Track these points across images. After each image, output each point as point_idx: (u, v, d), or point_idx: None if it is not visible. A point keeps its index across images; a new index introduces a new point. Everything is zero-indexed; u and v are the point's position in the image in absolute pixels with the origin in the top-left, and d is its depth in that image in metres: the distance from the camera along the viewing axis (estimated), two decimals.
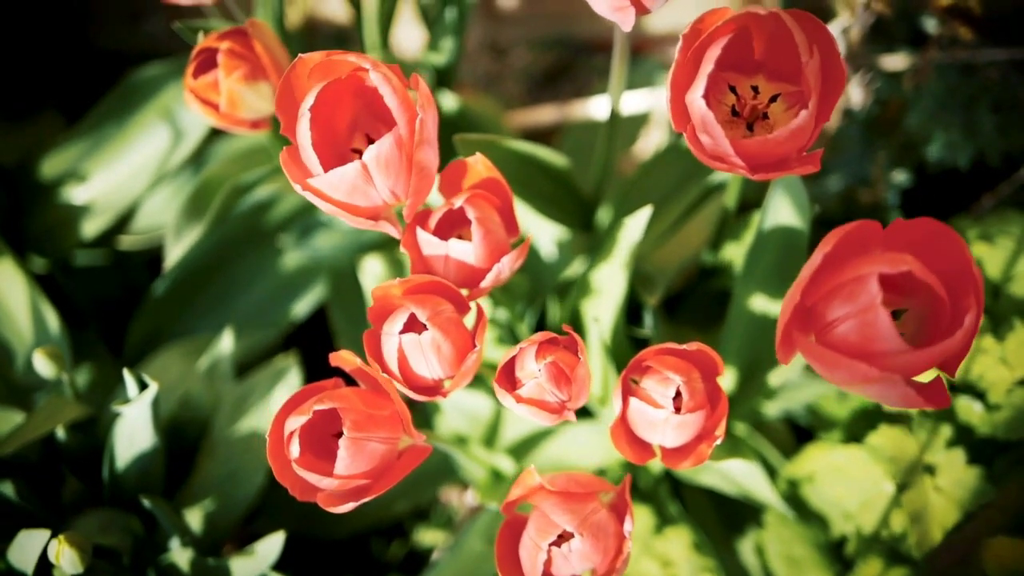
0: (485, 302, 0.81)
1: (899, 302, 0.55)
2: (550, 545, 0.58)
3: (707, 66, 0.54)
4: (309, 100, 0.55)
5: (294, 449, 0.56)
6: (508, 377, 0.59)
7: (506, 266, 0.60)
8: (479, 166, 0.62)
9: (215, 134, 1.00)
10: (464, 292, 0.61)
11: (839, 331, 0.50)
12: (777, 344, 0.53)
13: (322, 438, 0.57)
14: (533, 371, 0.58)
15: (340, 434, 0.56)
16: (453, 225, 0.62)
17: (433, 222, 0.61)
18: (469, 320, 0.61)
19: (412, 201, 0.57)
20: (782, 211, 0.69)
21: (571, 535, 0.58)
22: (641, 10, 0.57)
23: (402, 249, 0.60)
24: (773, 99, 0.59)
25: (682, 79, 0.55)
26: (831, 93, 0.54)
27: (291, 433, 0.56)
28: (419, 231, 0.60)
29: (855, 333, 0.50)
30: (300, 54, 0.56)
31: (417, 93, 0.56)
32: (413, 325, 0.58)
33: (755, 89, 0.59)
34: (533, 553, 0.58)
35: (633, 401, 0.58)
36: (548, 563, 0.58)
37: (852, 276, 0.50)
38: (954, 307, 0.51)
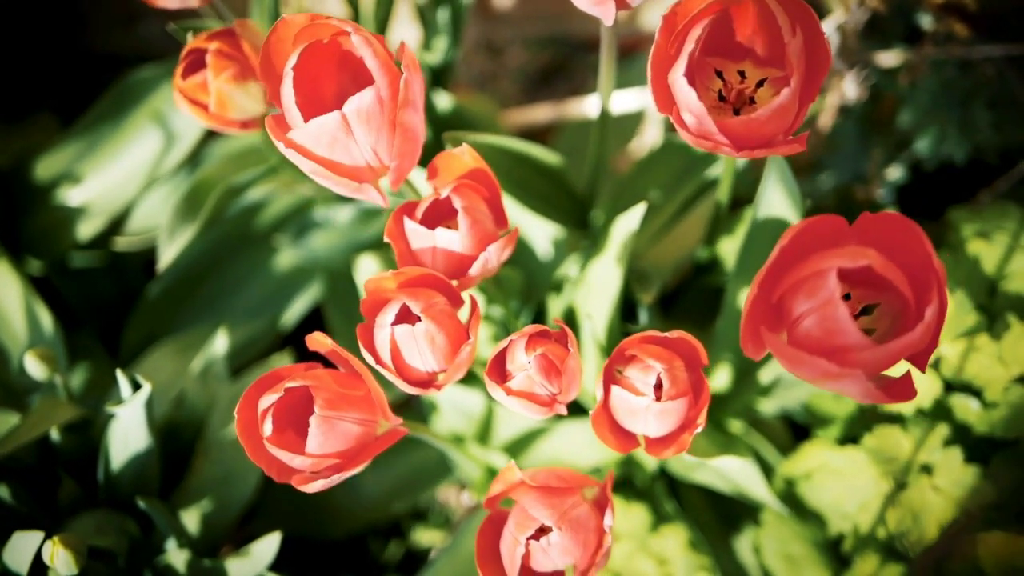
0: (480, 299, 0.81)
1: (870, 297, 0.55)
2: (528, 539, 0.58)
3: (689, 45, 0.54)
4: (293, 59, 0.55)
5: (267, 427, 0.56)
6: (499, 370, 0.59)
7: (493, 255, 0.60)
8: (466, 157, 0.62)
9: (210, 135, 1.00)
10: (453, 283, 0.61)
11: (803, 326, 0.51)
12: (742, 340, 0.53)
13: (300, 421, 0.57)
14: (523, 363, 0.57)
15: None
16: (441, 216, 0.62)
17: (420, 212, 0.61)
18: (463, 314, 0.61)
19: (398, 165, 0.57)
20: (775, 206, 0.69)
21: (550, 529, 0.58)
22: (621, 5, 0.57)
23: (386, 238, 0.60)
24: (760, 84, 0.59)
25: (663, 61, 0.55)
26: (815, 74, 0.54)
27: (264, 411, 0.56)
28: (406, 220, 0.60)
29: (817, 328, 0.50)
30: (283, 16, 0.56)
31: (403, 59, 0.56)
32: (407, 318, 0.58)
33: (742, 74, 0.59)
34: (512, 547, 0.59)
35: (615, 389, 0.58)
36: (526, 557, 0.58)
37: (813, 271, 0.50)
38: (918, 301, 0.51)
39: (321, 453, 0.56)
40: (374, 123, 0.55)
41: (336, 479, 0.56)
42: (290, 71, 0.55)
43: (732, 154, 0.55)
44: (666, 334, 0.58)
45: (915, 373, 0.61)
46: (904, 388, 0.52)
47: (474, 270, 0.60)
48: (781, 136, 0.55)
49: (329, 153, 0.56)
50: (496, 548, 0.61)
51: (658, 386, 0.58)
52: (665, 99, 0.56)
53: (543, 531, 0.58)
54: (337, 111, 0.54)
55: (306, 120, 0.55)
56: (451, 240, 0.60)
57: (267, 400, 0.56)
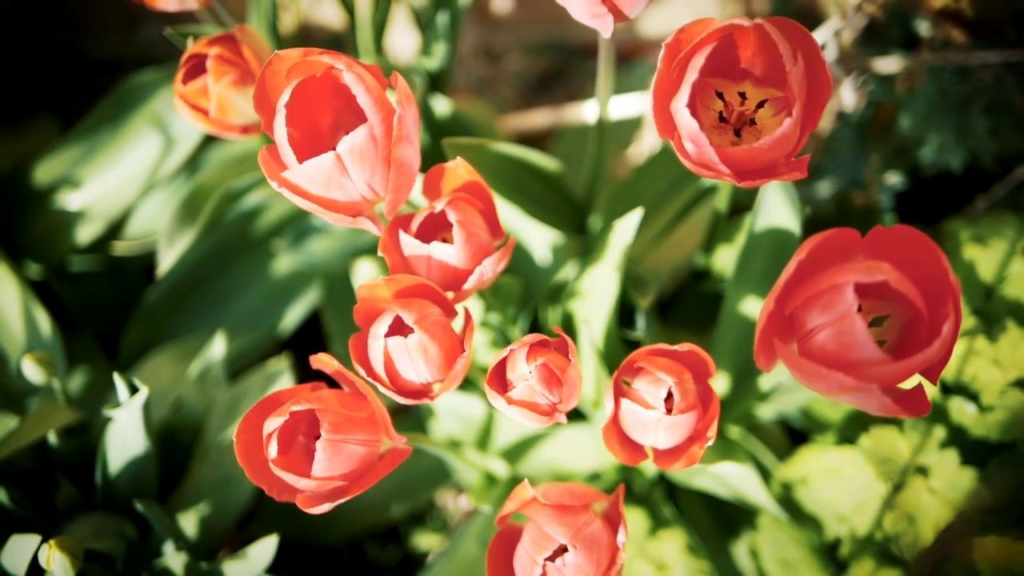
0: (477, 306, 0.81)
1: (881, 308, 0.55)
2: (546, 560, 0.58)
3: (691, 75, 0.54)
4: (284, 97, 0.55)
5: (272, 450, 0.56)
6: (499, 379, 0.59)
7: (488, 268, 0.60)
8: (460, 170, 0.62)
9: (209, 139, 1.00)
10: (448, 295, 0.61)
11: (817, 340, 0.51)
12: (755, 352, 0.53)
13: (302, 441, 0.57)
14: (524, 373, 0.58)
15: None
16: (436, 229, 0.62)
17: (415, 226, 0.61)
18: (457, 324, 0.61)
19: (392, 198, 0.57)
20: (774, 213, 0.69)
21: (565, 548, 0.58)
22: (619, 17, 0.57)
23: (380, 253, 0.60)
24: (761, 105, 0.59)
25: (666, 87, 0.56)
26: (817, 100, 0.55)
27: (269, 435, 0.56)
28: (402, 234, 0.60)
29: (832, 342, 0.50)
30: (277, 51, 0.57)
31: (396, 91, 0.56)
32: (400, 329, 0.58)
33: (742, 95, 0.59)
34: (528, 567, 0.59)
35: (625, 402, 0.58)
36: None
37: (829, 285, 0.50)
38: (932, 315, 0.52)
39: (327, 476, 0.57)
40: (368, 160, 0.55)
41: (340, 501, 0.56)
42: (282, 108, 0.55)
43: (734, 182, 0.55)
44: (675, 347, 0.58)
45: (914, 376, 0.61)
46: (918, 402, 0.52)
47: (469, 284, 0.60)
48: (782, 160, 0.55)
49: (324, 192, 0.56)
50: (508, 564, 0.61)
51: (668, 399, 0.58)
52: (667, 125, 0.56)
53: (558, 550, 0.59)
54: (331, 151, 0.54)
55: (300, 159, 0.55)
56: (446, 254, 0.60)
57: (273, 423, 0.56)
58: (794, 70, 0.53)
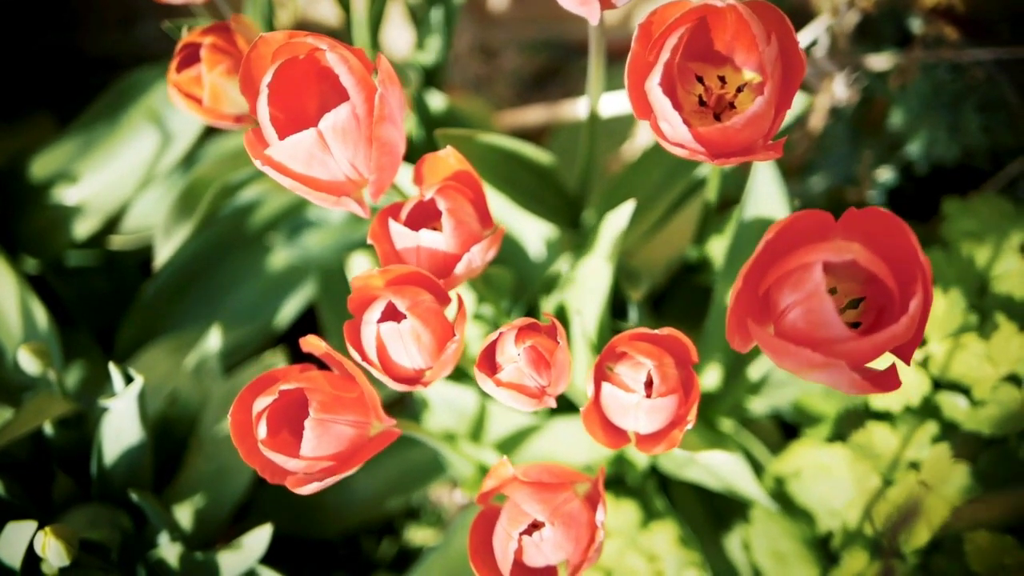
0: (470, 298, 0.81)
1: (856, 290, 0.56)
2: (521, 534, 0.58)
3: (665, 54, 0.55)
4: (267, 76, 0.56)
5: (261, 430, 0.56)
6: (488, 362, 0.60)
7: (477, 255, 0.60)
8: (451, 159, 0.62)
9: (206, 136, 1.00)
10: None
11: (789, 319, 0.51)
12: (727, 333, 0.54)
13: (294, 422, 0.58)
14: (513, 355, 0.58)
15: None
16: (426, 217, 0.62)
17: (404, 213, 0.62)
18: (450, 312, 0.61)
19: (376, 179, 0.57)
20: (763, 205, 0.70)
21: (543, 524, 0.58)
22: (606, 4, 0.58)
23: (370, 240, 0.61)
24: (740, 89, 0.59)
25: (640, 69, 0.56)
26: (790, 81, 0.55)
27: (259, 414, 0.56)
28: (391, 222, 0.61)
29: (802, 320, 0.51)
30: (262, 34, 0.57)
31: (379, 72, 0.56)
32: (393, 315, 0.58)
33: (722, 79, 0.59)
34: (505, 542, 0.59)
35: (605, 386, 0.59)
36: (519, 552, 0.59)
37: (799, 264, 0.51)
38: (902, 294, 0.52)
39: (315, 456, 0.57)
40: (351, 138, 0.56)
41: (330, 481, 0.57)
42: (265, 88, 0.56)
43: (708, 161, 0.55)
44: (656, 331, 0.59)
45: (906, 373, 0.61)
46: (889, 379, 0.53)
47: (459, 270, 0.61)
48: (759, 142, 0.56)
49: (306, 169, 0.56)
50: (489, 543, 0.61)
51: (648, 383, 0.58)
52: (642, 106, 0.57)
53: (536, 526, 0.59)
54: (312, 128, 0.55)
55: (281, 137, 0.56)
56: (435, 241, 0.60)
57: (262, 403, 0.56)
58: (767, 50, 0.54)
